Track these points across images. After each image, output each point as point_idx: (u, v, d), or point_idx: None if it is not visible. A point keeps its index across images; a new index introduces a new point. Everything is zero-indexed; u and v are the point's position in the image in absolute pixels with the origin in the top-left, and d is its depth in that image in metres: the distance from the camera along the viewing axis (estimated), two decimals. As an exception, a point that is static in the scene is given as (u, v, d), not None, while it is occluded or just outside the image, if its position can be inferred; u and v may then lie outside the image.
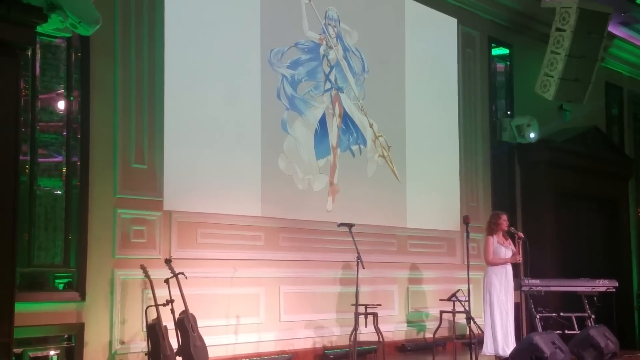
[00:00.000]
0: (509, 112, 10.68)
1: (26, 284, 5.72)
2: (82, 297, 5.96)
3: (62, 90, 6.09)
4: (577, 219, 11.52)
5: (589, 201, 11.85)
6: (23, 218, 5.57)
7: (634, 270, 12.65)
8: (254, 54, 7.46)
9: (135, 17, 6.50)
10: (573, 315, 8.91)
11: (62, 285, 5.97)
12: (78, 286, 5.97)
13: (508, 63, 10.88)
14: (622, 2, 10.83)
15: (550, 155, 10.72)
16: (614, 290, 9.26)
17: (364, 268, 7.10)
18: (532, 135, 10.28)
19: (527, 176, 10.74)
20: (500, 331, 7.53)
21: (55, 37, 5.95)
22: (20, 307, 5.08)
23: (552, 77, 10.08)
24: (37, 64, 5.92)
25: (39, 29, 5.41)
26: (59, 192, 6.01)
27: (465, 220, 7.66)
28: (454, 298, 7.72)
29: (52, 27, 5.64)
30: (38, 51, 5.90)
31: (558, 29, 9.94)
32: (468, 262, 7.52)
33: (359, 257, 7.07)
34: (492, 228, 7.76)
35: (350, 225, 7.27)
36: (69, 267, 6.01)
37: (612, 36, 11.82)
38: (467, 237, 7.57)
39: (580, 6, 9.74)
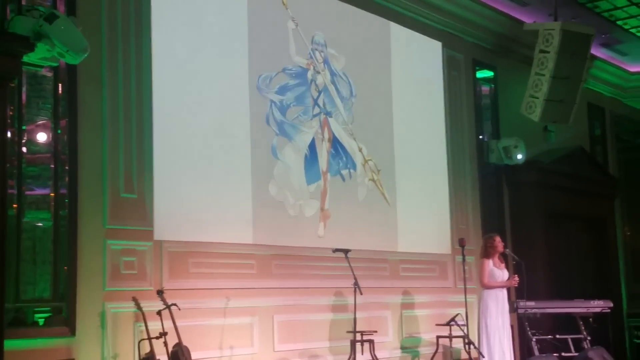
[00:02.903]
0: (494, 134, 10.69)
1: (14, 320, 5.52)
2: (72, 332, 5.78)
3: (49, 121, 5.95)
4: (566, 239, 11.51)
5: (577, 221, 11.86)
6: (11, 252, 5.39)
7: (623, 290, 12.65)
8: (242, 80, 7.39)
9: (123, 45, 6.40)
10: (569, 337, 8.84)
11: (51, 320, 5.77)
12: (68, 321, 5.78)
13: (493, 85, 10.92)
14: (603, 23, 10.95)
15: (538, 176, 10.73)
16: (609, 310, 9.22)
17: (361, 294, 6.98)
18: (519, 156, 10.29)
19: (515, 197, 10.72)
20: (499, 358, 7.42)
21: (42, 67, 5.83)
22: (8, 345, 4.92)
23: (538, 98, 10.11)
24: (24, 95, 5.78)
25: (25, 58, 5.31)
26: (46, 224, 5.85)
27: (461, 243, 7.61)
28: (452, 322, 7.62)
29: (39, 57, 5.53)
30: (25, 81, 5.76)
31: (542, 51, 9.98)
32: (465, 285, 7.44)
33: (356, 283, 6.95)
34: (488, 251, 7.65)
35: (346, 251, 7.17)
36: (58, 302, 5.82)
37: (594, 57, 11.92)
38: (463, 260, 7.50)
39: (564, 28, 9.82)
